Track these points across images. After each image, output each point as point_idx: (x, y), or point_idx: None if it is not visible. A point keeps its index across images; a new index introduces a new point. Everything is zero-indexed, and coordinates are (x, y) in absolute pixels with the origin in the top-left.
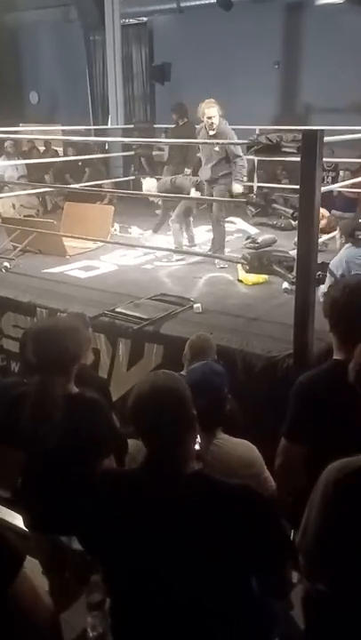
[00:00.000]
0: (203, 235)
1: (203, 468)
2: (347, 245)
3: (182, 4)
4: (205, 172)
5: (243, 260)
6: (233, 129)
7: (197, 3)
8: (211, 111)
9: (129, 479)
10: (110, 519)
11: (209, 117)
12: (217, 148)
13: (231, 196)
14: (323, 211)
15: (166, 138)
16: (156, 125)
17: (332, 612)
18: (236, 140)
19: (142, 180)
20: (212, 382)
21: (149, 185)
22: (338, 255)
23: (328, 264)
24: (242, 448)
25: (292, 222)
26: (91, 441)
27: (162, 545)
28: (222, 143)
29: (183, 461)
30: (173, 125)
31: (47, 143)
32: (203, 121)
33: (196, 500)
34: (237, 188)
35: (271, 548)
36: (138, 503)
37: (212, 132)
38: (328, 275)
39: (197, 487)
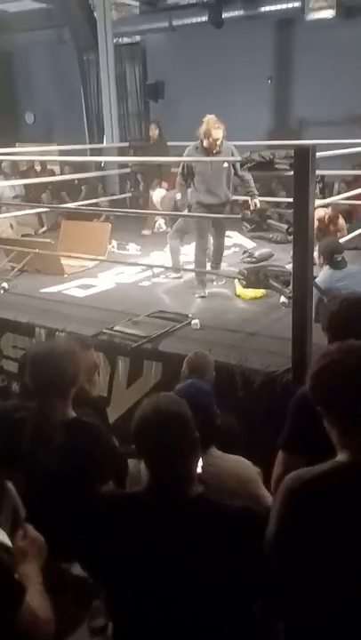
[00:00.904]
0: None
1: (205, 491)
2: (326, 268)
3: (174, 23)
4: (219, 195)
5: (240, 275)
6: None
7: (189, 21)
8: (218, 133)
9: (131, 501)
10: (111, 540)
11: (215, 139)
12: (226, 165)
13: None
14: (342, 221)
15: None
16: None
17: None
18: (230, 158)
19: (152, 191)
20: (200, 401)
21: (159, 195)
22: (320, 276)
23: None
24: (237, 464)
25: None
26: (90, 466)
27: (164, 567)
28: (214, 160)
29: (186, 484)
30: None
31: (42, 163)
32: (202, 139)
33: (199, 522)
34: (257, 202)
35: None
36: (140, 525)
37: (215, 151)
38: (315, 291)
39: (200, 510)
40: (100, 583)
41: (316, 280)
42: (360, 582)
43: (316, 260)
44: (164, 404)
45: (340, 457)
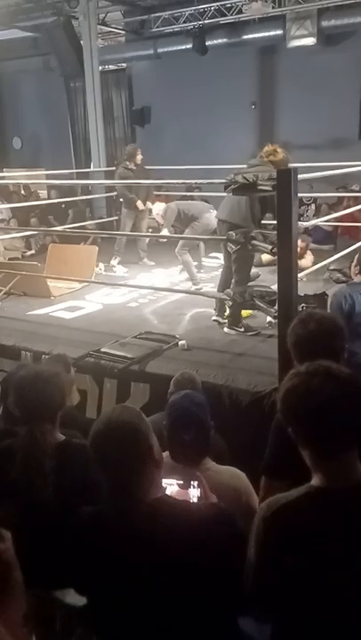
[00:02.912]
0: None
1: (165, 495)
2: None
3: (159, 50)
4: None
5: (226, 296)
6: (213, 169)
7: (174, 48)
8: None
9: (98, 515)
10: (89, 557)
11: None
12: None
13: None
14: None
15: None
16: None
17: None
18: (213, 180)
19: (152, 205)
20: (195, 414)
21: (158, 208)
22: (340, 288)
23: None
24: (230, 475)
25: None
26: (84, 488)
27: (132, 578)
28: (203, 183)
29: (143, 491)
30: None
31: (26, 187)
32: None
33: (157, 527)
34: None
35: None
36: (109, 538)
37: None
38: (331, 305)
39: (160, 513)
40: (88, 600)
41: (336, 290)
42: (341, 606)
43: (353, 270)
44: (116, 415)
45: (314, 481)
